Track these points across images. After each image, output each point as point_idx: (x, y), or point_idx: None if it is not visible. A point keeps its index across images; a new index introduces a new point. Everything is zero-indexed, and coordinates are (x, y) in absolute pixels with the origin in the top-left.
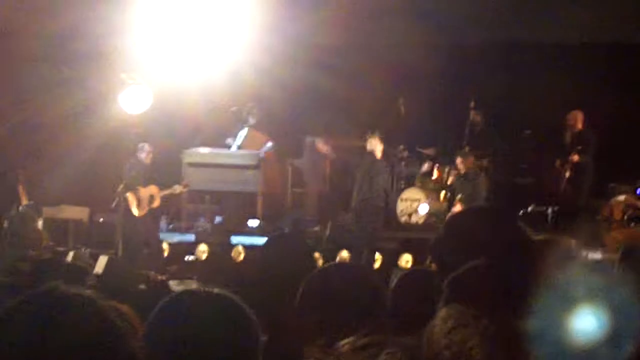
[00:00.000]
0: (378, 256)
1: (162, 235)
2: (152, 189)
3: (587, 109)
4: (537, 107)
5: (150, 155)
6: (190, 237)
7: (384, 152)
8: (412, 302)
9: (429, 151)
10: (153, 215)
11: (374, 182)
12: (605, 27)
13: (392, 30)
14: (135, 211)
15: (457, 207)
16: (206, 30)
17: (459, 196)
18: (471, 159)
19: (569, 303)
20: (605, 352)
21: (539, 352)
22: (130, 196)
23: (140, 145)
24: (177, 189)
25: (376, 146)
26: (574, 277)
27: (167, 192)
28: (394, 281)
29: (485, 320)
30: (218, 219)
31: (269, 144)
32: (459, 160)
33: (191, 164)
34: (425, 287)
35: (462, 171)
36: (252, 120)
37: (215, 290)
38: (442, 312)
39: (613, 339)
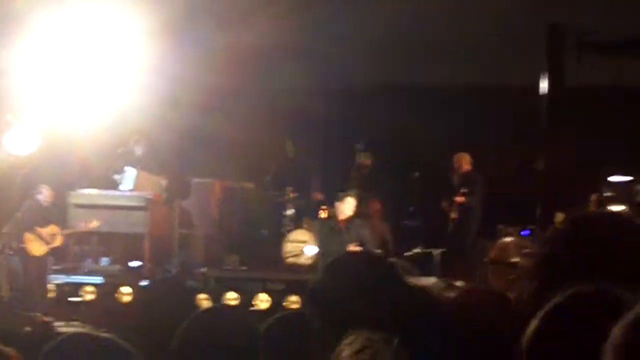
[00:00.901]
0: (266, 297)
1: (48, 277)
2: (53, 229)
3: (474, 151)
4: (425, 149)
5: (50, 198)
6: (76, 279)
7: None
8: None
9: (317, 195)
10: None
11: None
12: (491, 71)
13: (280, 73)
14: (35, 251)
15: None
16: (94, 72)
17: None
18: (357, 202)
19: None
20: None
21: None
22: (29, 236)
23: (39, 187)
24: (83, 226)
25: None
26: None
27: (69, 231)
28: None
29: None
30: (104, 260)
31: (162, 182)
32: (345, 202)
33: (78, 205)
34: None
35: (350, 214)
36: (139, 155)
37: (103, 333)
38: (347, 339)
39: None
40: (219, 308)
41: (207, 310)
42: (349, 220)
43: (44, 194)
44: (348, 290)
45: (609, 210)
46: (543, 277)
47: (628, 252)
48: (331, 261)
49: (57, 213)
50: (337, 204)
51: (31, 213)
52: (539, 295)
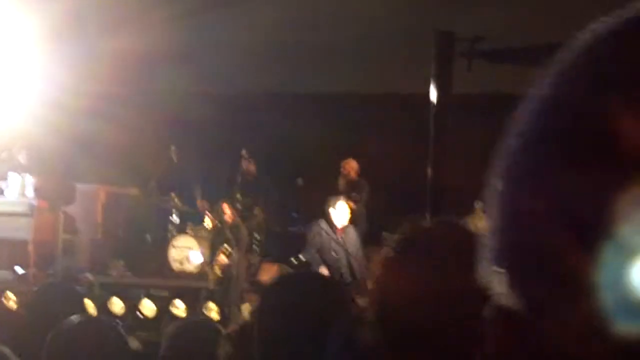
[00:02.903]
0: (150, 303)
1: None
2: None
3: (359, 157)
4: (309, 155)
5: None
6: None
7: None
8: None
9: (201, 204)
10: None
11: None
12: (378, 78)
13: (164, 78)
14: None
15: (221, 257)
16: None
17: (223, 246)
18: (233, 208)
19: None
20: None
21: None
22: None
23: None
24: None
25: None
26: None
27: None
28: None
29: None
30: None
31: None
32: (224, 208)
33: None
34: (203, 337)
35: (229, 220)
36: (22, 160)
37: None
38: None
39: None
40: (85, 320)
41: (76, 322)
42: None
43: None
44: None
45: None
46: None
47: None
48: (267, 288)
49: None
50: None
51: None
52: None
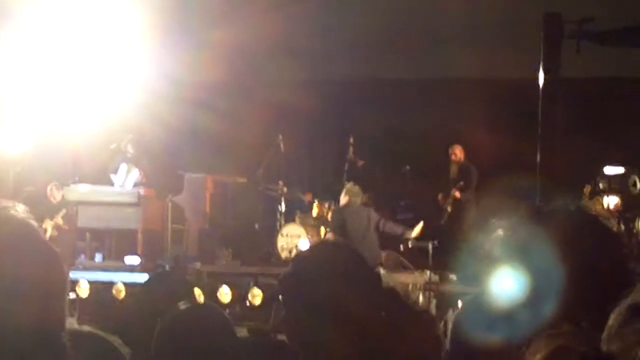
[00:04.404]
0: (259, 292)
1: None
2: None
3: (467, 144)
4: (416, 142)
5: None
6: (71, 275)
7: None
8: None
9: (307, 196)
10: None
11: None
12: (486, 62)
13: (270, 68)
14: None
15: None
16: (85, 68)
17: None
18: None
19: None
20: (525, 313)
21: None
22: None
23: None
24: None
25: None
26: (493, 237)
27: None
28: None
29: None
30: (98, 256)
31: (136, 171)
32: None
33: (71, 201)
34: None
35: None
36: (131, 151)
37: (85, 328)
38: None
39: (533, 299)
40: (193, 307)
41: (186, 308)
42: None
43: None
44: (316, 276)
45: None
46: None
47: None
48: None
49: (50, 209)
50: (330, 197)
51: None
52: None
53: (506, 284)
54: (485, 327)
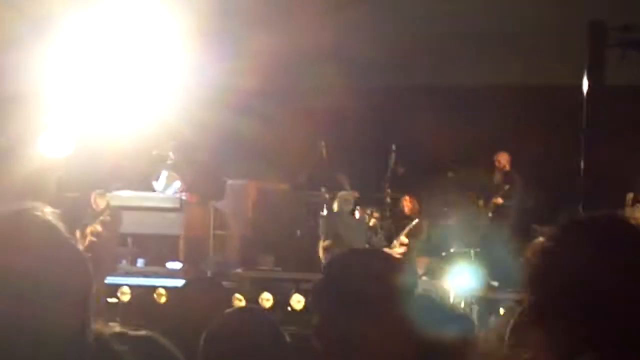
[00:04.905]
0: (300, 298)
1: None
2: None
3: (510, 150)
4: (459, 148)
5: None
6: (112, 280)
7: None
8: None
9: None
10: None
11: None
12: (530, 69)
13: (313, 74)
14: None
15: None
16: (128, 73)
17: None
18: (416, 201)
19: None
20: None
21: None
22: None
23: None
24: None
25: None
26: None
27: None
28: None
29: None
30: (140, 261)
31: (177, 182)
32: (406, 200)
33: (113, 207)
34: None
35: (407, 211)
36: (172, 157)
37: (143, 332)
38: None
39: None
40: (244, 310)
41: (231, 312)
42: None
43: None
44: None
45: None
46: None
47: None
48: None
49: (94, 215)
50: (372, 202)
51: (70, 216)
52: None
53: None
54: None
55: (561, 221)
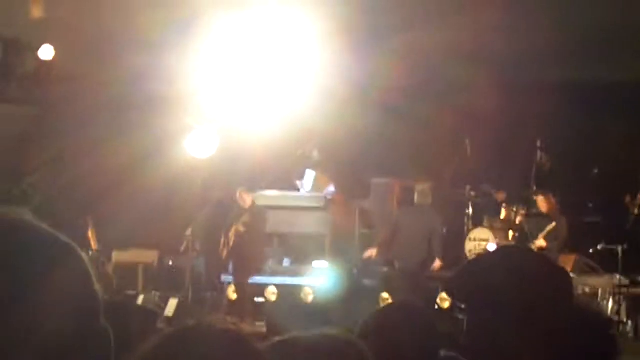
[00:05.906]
0: (446, 297)
1: (226, 278)
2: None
3: None
4: (605, 145)
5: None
6: (259, 279)
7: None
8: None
9: (500, 195)
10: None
11: None
12: None
13: (457, 71)
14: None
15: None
16: (271, 74)
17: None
18: (553, 199)
19: None
20: None
21: None
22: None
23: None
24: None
25: None
26: None
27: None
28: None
29: None
30: (286, 261)
31: (331, 187)
32: (540, 199)
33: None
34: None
35: (544, 210)
36: (317, 156)
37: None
38: None
39: None
40: (399, 305)
41: (388, 306)
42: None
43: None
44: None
45: None
46: None
47: None
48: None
49: (240, 215)
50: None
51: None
52: None
53: None
54: None
55: None
